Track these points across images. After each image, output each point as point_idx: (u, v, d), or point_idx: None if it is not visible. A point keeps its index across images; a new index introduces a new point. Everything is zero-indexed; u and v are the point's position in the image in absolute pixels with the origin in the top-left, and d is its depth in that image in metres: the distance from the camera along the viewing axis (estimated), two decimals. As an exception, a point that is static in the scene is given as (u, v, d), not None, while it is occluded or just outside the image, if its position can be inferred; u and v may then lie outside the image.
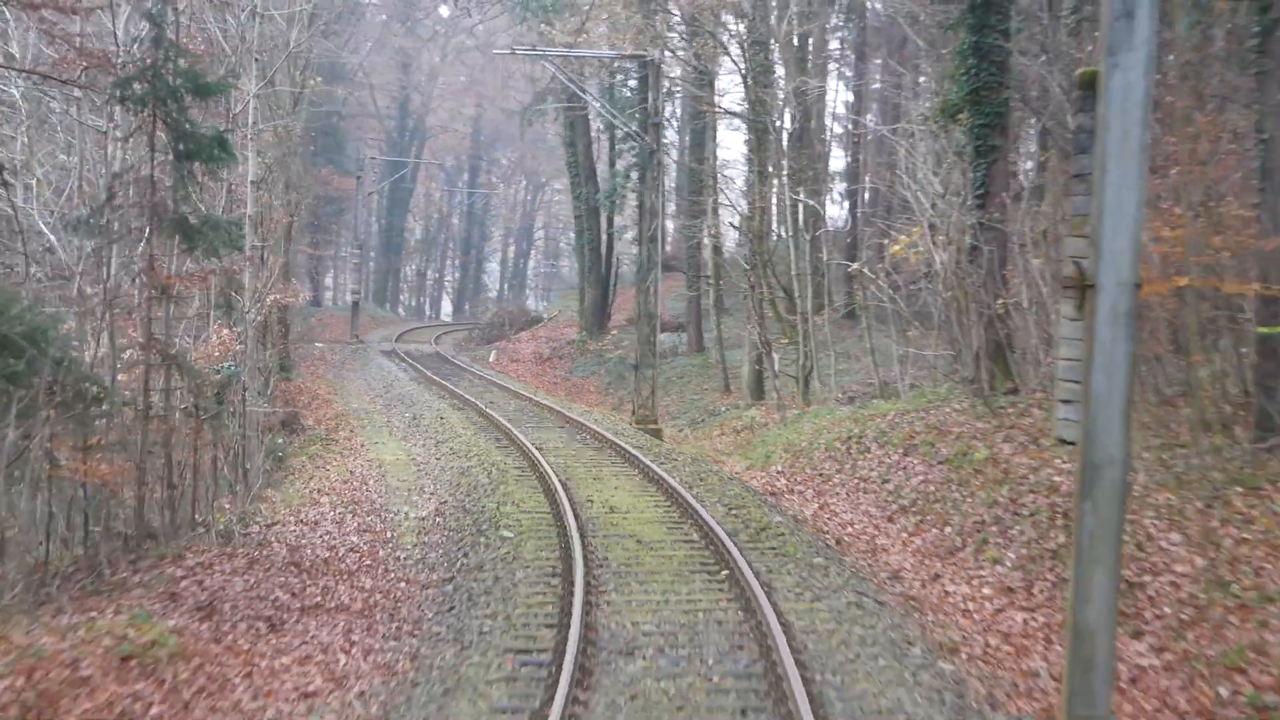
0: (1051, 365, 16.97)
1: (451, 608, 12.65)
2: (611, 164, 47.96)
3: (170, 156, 13.42)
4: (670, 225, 48.50)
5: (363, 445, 24.69)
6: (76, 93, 14.50)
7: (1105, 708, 8.42)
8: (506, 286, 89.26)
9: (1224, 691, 9.39)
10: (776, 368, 27.45)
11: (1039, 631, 11.56)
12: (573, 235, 57.89)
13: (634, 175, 39.90)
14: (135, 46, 14.06)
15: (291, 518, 16.75)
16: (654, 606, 12.21)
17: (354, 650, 11.19)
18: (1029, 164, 25.36)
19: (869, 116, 40.66)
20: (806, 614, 11.86)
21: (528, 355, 47.24)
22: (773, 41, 30.81)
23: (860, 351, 28.66)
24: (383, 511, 17.86)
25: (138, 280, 14.09)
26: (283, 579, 13.07)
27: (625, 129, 34.58)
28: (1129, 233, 7.79)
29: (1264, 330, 13.65)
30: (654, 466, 19.97)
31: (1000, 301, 18.76)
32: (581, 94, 34.90)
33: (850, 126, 41.21)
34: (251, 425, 17.90)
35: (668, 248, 45.81)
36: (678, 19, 33.45)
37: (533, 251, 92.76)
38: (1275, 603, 10.23)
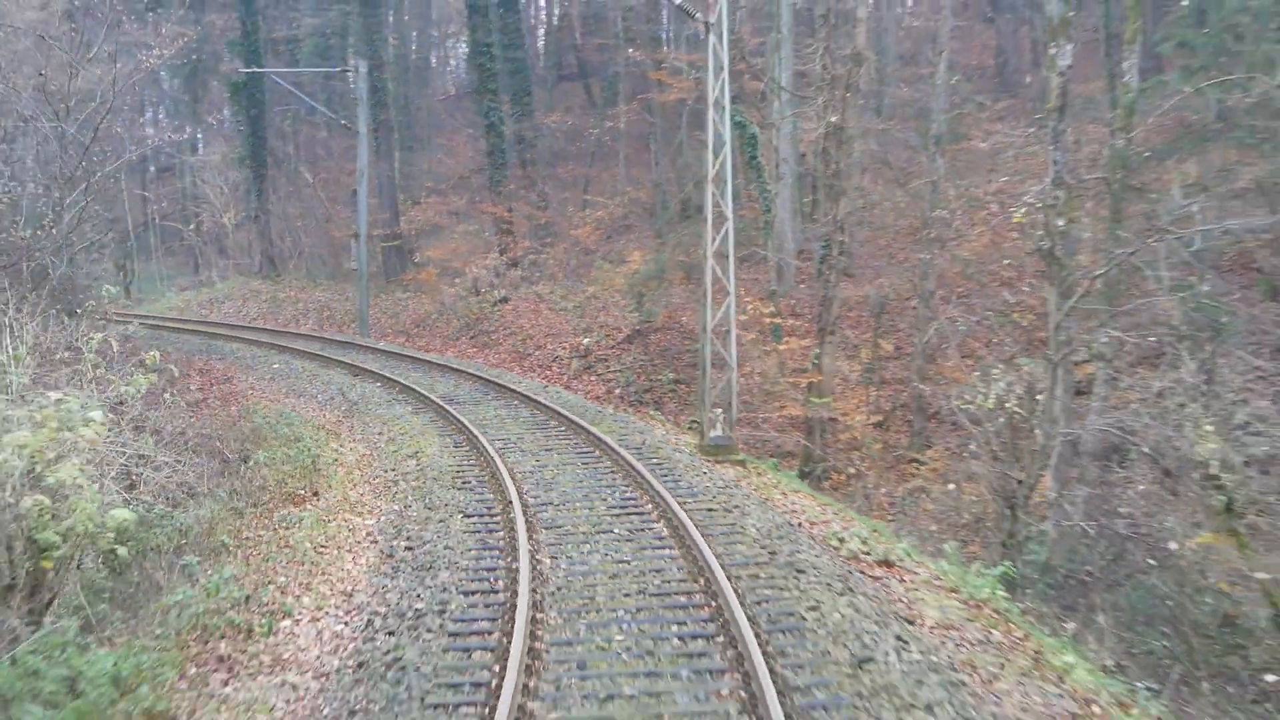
0: (308, 258, 43.20)
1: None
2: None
3: None
4: None
5: None
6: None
7: (368, 330, 35.33)
8: None
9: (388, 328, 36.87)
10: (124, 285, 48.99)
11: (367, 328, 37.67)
12: None
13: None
14: None
15: None
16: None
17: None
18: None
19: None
20: (255, 338, 36.47)
21: None
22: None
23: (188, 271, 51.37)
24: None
25: None
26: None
27: None
28: (366, 216, 34.68)
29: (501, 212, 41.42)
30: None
31: (274, 236, 44.29)
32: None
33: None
34: None
35: None
36: None
37: None
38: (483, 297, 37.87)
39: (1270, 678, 14.55)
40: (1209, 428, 14.55)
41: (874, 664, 9.68)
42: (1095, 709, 10.24)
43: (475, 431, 19.67)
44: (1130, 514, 18.13)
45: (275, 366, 29.37)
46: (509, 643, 9.79)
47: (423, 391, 24.38)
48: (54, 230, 21.94)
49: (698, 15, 19.18)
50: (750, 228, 35.35)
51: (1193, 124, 32.58)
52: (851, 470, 28.98)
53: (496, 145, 39.65)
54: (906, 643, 10.33)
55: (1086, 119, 35.69)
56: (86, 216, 24.41)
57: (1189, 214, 21.02)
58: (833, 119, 27.98)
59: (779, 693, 8.63)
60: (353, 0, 42.94)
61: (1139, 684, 12.27)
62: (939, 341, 29.55)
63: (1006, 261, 30.90)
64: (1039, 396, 18.23)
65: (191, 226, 48.74)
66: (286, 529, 14.99)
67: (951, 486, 21.41)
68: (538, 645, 9.97)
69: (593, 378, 31.78)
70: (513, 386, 25.40)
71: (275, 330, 36.86)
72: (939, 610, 12.23)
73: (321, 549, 14.26)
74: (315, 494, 16.96)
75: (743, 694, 8.99)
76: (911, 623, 11.47)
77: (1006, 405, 17.71)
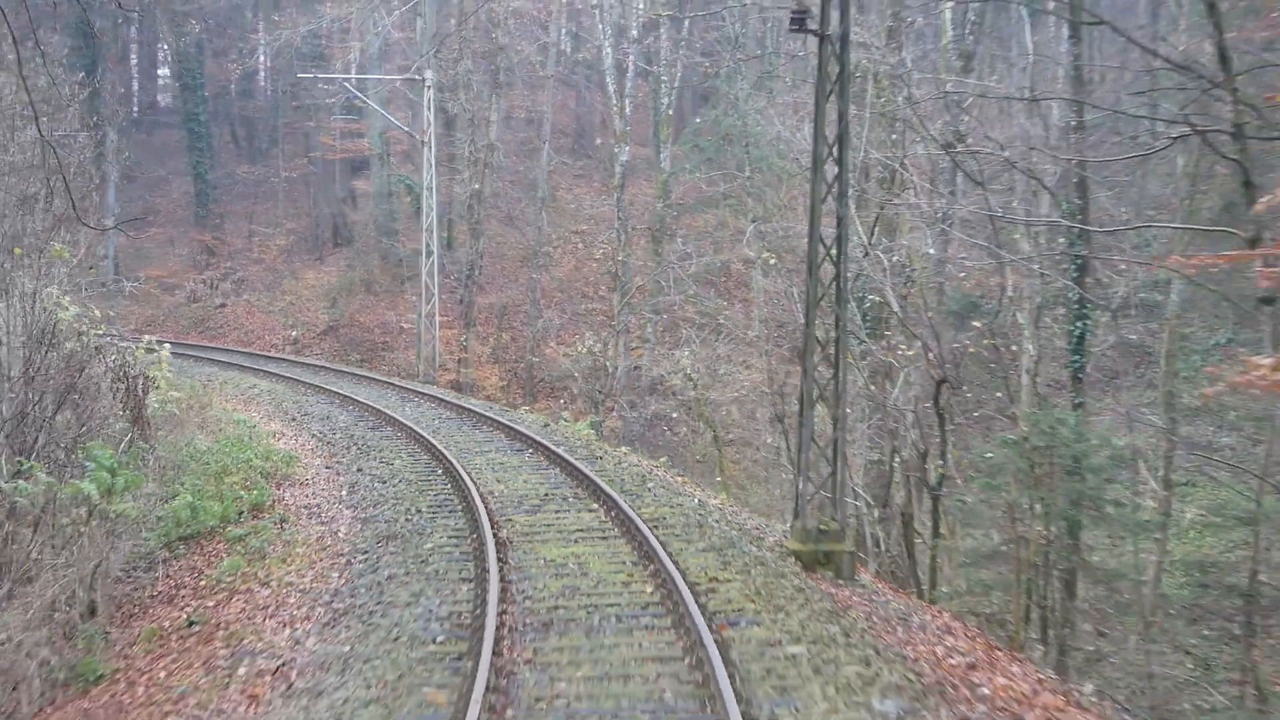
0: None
1: None
2: None
3: None
4: None
5: None
6: None
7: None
8: None
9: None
10: None
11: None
12: None
13: None
14: None
15: None
16: None
17: None
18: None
19: None
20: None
21: None
22: None
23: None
24: None
25: None
26: None
27: None
28: (113, 240, 45.43)
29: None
30: None
31: None
32: None
33: None
34: None
35: None
36: None
37: None
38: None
39: (718, 478, 31.01)
40: (685, 356, 30.87)
41: (550, 428, 24.67)
42: (632, 457, 25.79)
43: (281, 373, 32.49)
44: (658, 409, 34.51)
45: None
46: (416, 428, 23.66)
47: (213, 358, 36.39)
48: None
49: (415, 134, 33.32)
50: (414, 255, 49.39)
51: (708, 194, 50.64)
52: (489, 418, 43.90)
53: (202, 189, 50.80)
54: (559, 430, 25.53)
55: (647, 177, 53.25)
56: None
57: (687, 254, 37.92)
58: (476, 186, 42.88)
59: (515, 429, 23.21)
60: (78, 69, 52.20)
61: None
62: (543, 333, 45.11)
63: (580, 281, 47.19)
64: (608, 349, 34.11)
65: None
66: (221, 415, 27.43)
67: (563, 401, 36.94)
68: (422, 428, 23.88)
69: (303, 359, 44.39)
70: (271, 355, 37.91)
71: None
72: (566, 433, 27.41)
73: (243, 423, 26.95)
74: (209, 404, 29.24)
75: (507, 432, 23.54)
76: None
77: (592, 353, 33.41)
